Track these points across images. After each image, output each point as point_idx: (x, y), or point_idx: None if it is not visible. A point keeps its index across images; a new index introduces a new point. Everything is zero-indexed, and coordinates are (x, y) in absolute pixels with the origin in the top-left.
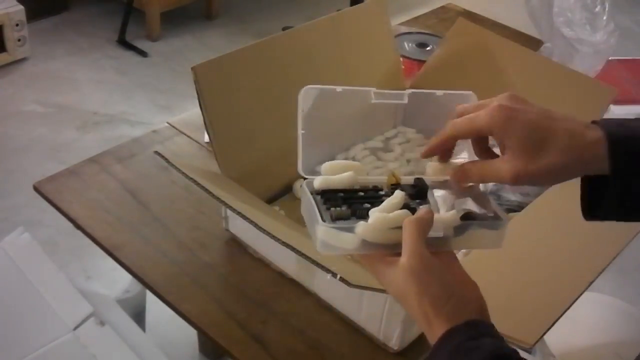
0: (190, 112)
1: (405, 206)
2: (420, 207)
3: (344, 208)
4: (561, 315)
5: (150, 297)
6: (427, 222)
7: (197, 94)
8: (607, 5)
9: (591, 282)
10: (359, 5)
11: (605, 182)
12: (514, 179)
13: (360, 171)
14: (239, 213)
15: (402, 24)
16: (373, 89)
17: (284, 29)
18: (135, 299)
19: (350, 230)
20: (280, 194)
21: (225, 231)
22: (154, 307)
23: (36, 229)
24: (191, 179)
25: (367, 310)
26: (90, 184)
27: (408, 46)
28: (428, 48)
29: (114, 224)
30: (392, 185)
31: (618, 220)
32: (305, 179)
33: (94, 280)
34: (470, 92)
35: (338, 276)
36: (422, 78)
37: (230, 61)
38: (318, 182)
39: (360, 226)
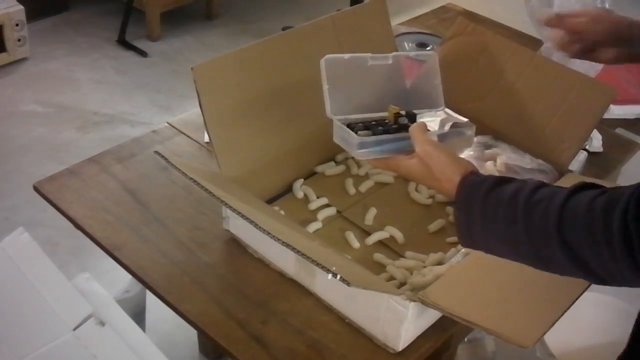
0: (190, 112)
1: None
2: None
3: (365, 131)
4: (561, 315)
5: (150, 297)
6: (424, 125)
7: (197, 93)
8: (607, 5)
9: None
10: (359, 5)
11: None
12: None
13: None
14: (239, 213)
15: (402, 24)
16: (369, 55)
17: (284, 29)
18: (135, 299)
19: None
20: (280, 194)
21: (225, 231)
22: (154, 307)
23: (36, 229)
24: (191, 179)
25: (367, 310)
26: (90, 184)
27: (408, 46)
28: (428, 48)
29: (114, 224)
30: (394, 114)
31: None
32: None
33: (94, 280)
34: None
35: (338, 276)
36: None
37: (230, 61)
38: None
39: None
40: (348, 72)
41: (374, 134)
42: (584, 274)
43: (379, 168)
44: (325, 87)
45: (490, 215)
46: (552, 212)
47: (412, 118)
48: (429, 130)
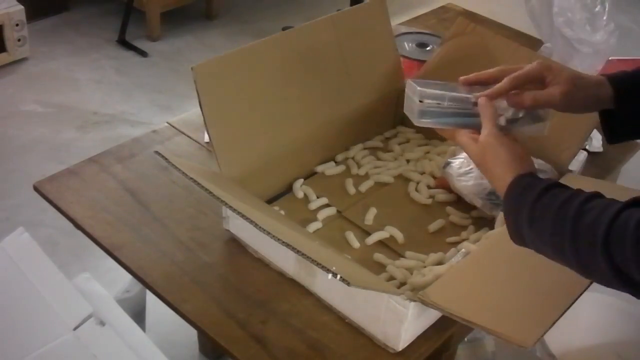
0: (190, 112)
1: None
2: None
3: (431, 101)
4: (561, 315)
5: (150, 297)
6: (494, 110)
7: (197, 93)
8: (607, 5)
9: (591, 282)
10: (359, 5)
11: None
12: (563, 96)
13: None
14: (239, 213)
15: (402, 24)
16: None
17: (284, 29)
18: (135, 299)
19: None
20: (280, 194)
21: (225, 231)
22: (154, 307)
23: (36, 229)
24: (191, 179)
25: (367, 310)
26: (90, 184)
27: (408, 46)
28: (428, 48)
29: (114, 224)
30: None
31: (632, 139)
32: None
33: (94, 280)
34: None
35: (338, 276)
36: (422, 78)
37: (230, 61)
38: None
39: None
40: None
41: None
42: (628, 287)
43: (445, 137)
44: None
45: (539, 219)
46: (601, 223)
47: None
48: (500, 115)
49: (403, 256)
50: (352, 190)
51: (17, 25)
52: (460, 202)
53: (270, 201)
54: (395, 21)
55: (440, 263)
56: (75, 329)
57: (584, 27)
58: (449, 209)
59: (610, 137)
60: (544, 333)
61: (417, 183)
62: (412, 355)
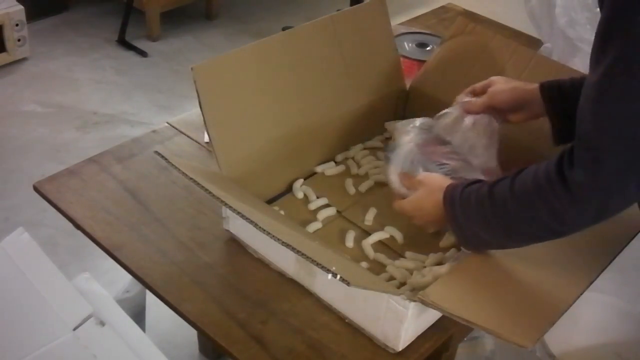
0: (190, 112)
1: None
2: None
3: None
4: (561, 315)
5: (150, 297)
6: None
7: (197, 93)
8: None
9: (591, 282)
10: (359, 5)
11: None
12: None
13: None
14: (239, 213)
15: (402, 24)
16: None
17: (284, 29)
18: (135, 299)
19: None
20: (280, 194)
21: (225, 231)
22: (154, 307)
23: (36, 229)
24: (191, 179)
25: (367, 310)
26: (90, 184)
27: (408, 46)
28: (428, 48)
29: (114, 224)
30: None
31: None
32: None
33: (94, 280)
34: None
35: (338, 276)
36: (422, 78)
37: (230, 61)
38: None
39: None
40: None
41: None
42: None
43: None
44: None
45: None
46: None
47: None
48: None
49: (403, 256)
50: (352, 190)
51: (17, 25)
52: None
53: (270, 201)
54: (395, 21)
55: (440, 263)
56: (75, 329)
57: (585, 26)
58: None
59: (556, 139)
60: (544, 333)
61: None
62: (412, 355)
